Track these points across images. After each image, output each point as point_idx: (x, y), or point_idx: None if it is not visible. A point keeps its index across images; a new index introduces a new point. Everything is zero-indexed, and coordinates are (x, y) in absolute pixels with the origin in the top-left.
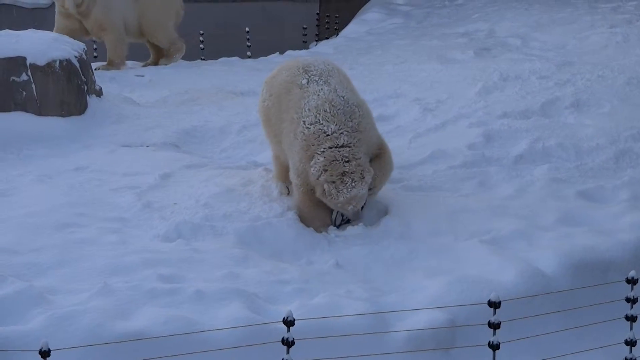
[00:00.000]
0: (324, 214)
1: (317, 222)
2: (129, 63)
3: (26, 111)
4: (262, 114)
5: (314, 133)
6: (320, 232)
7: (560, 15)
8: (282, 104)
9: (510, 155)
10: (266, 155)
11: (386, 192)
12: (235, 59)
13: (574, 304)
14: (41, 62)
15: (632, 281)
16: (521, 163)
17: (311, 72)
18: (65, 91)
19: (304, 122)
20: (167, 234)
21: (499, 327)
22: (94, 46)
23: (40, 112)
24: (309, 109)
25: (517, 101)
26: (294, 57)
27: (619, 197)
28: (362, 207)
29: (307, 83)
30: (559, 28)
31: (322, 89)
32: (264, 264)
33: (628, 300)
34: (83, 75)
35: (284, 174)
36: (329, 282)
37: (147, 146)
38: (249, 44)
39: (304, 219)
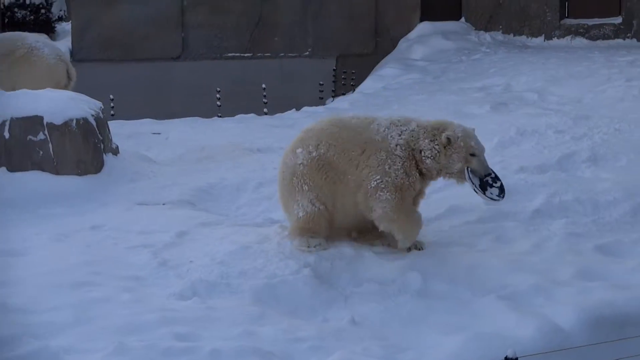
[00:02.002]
0: (419, 217)
1: (416, 230)
2: (146, 120)
3: (43, 170)
4: (308, 167)
5: (409, 133)
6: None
7: (576, 69)
8: (346, 145)
9: (527, 209)
10: (282, 212)
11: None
12: (251, 115)
13: (592, 359)
14: (58, 121)
15: None
16: (538, 217)
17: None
18: (82, 150)
19: (390, 137)
20: (182, 292)
21: None
22: (111, 104)
23: (57, 171)
24: (386, 126)
25: (533, 155)
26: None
27: (637, 251)
28: None
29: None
30: (575, 82)
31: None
32: (280, 321)
33: None
34: (100, 133)
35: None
36: (345, 340)
37: (163, 204)
38: (265, 100)
39: (408, 230)
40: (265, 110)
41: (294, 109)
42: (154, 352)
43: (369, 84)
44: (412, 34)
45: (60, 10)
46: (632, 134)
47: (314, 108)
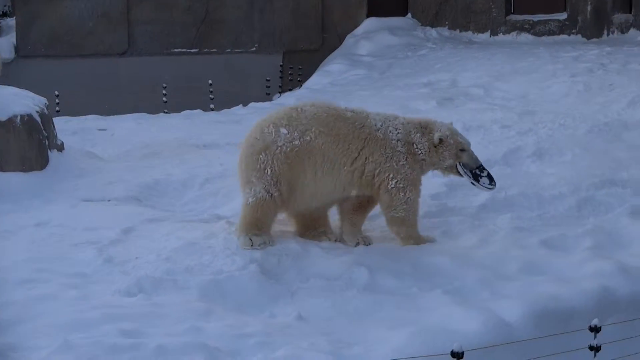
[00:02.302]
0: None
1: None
2: (92, 116)
3: None
4: (284, 153)
5: (402, 127)
6: None
7: (522, 64)
8: (343, 137)
9: (473, 204)
10: (229, 208)
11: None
12: (197, 111)
13: (538, 352)
14: (2, 117)
15: (595, 329)
16: (484, 212)
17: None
18: (26, 146)
19: (390, 133)
20: (128, 289)
21: None
22: (56, 100)
23: (1, 167)
24: (382, 121)
25: (479, 150)
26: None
27: (582, 245)
28: None
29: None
30: (520, 77)
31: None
32: (226, 317)
33: (591, 348)
34: (44, 129)
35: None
36: (291, 335)
37: (109, 200)
38: (211, 96)
39: (413, 228)
40: (211, 106)
41: (241, 105)
42: (99, 348)
43: (315, 80)
44: (359, 30)
45: (5, 6)
46: (577, 129)
47: (260, 104)
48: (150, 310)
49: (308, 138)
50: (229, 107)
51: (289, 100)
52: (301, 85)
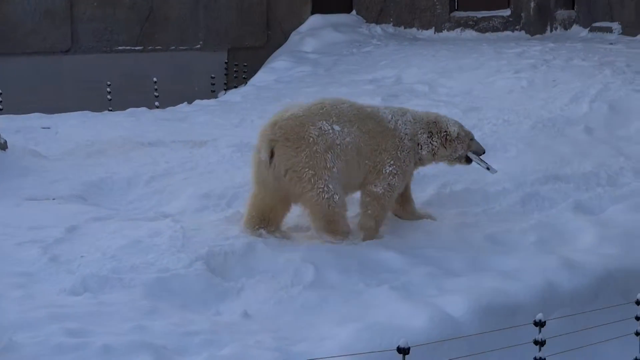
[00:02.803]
0: None
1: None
2: (35, 115)
3: None
4: (343, 149)
5: (411, 125)
6: None
7: (466, 61)
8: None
9: (419, 200)
10: (174, 206)
11: (297, 239)
12: (142, 109)
13: (483, 347)
14: None
15: (539, 324)
16: (430, 208)
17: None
18: None
19: (399, 127)
20: (73, 288)
21: None
22: None
23: None
24: (392, 115)
25: None
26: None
27: (526, 240)
28: None
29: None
30: (465, 74)
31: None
32: (173, 315)
33: (536, 342)
34: None
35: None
36: (238, 333)
37: (53, 199)
38: (156, 94)
39: (382, 211)
40: (156, 103)
41: (186, 102)
42: (44, 348)
43: (261, 77)
44: (304, 27)
45: None
46: (521, 125)
47: (205, 101)
48: (96, 309)
49: (354, 134)
50: (174, 105)
51: (234, 97)
52: (246, 83)
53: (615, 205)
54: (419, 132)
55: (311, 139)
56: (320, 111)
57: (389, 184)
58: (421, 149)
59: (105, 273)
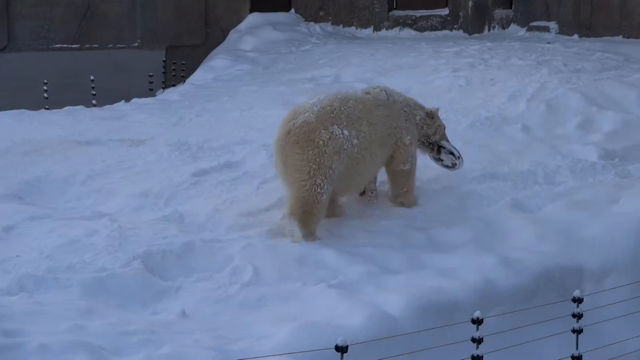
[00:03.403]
0: None
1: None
2: None
3: None
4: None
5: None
6: None
7: (405, 59)
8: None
9: (356, 198)
10: (112, 205)
11: (234, 239)
12: (80, 107)
13: (422, 345)
14: None
15: (477, 321)
16: (369, 208)
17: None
18: None
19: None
20: (9, 288)
21: None
22: None
23: None
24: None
25: None
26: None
27: (464, 238)
28: None
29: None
30: (403, 72)
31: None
32: (110, 315)
33: (474, 340)
34: None
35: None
36: (176, 332)
37: None
38: (94, 92)
39: (413, 182)
40: (94, 102)
41: (123, 101)
42: None
43: (199, 75)
44: (242, 25)
45: None
46: (459, 124)
47: (143, 99)
48: (32, 309)
49: (363, 133)
50: (112, 103)
51: (172, 96)
52: (184, 81)
53: (552, 204)
54: (407, 102)
55: (321, 142)
56: (332, 115)
57: (411, 155)
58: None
59: (41, 273)
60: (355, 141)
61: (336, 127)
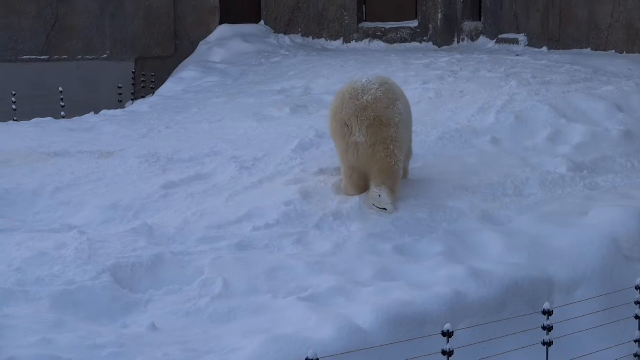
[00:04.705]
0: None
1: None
2: None
3: None
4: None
5: None
6: None
7: (374, 71)
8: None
9: (327, 211)
10: (81, 217)
11: (203, 251)
12: (48, 119)
13: (391, 357)
14: None
15: (447, 334)
16: (338, 219)
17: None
18: None
19: None
20: None
21: None
22: None
23: None
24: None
25: (332, 157)
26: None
27: (434, 250)
28: None
29: None
30: None
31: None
32: (79, 328)
33: (444, 352)
34: None
35: None
36: (145, 345)
37: None
38: (62, 103)
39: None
40: (62, 113)
41: (92, 112)
42: None
43: (168, 87)
44: (212, 37)
45: None
46: (428, 136)
47: (112, 111)
48: (0, 322)
49: (406, 110)
50: (81, 115)
51: (141, 107)
52: (154, 92)
53: (521, 215)
54: None
55: (397, 118)
56: (393, 93)
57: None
58: None
59: (9, 285)
60: (406, 116)
61: (398, 102)
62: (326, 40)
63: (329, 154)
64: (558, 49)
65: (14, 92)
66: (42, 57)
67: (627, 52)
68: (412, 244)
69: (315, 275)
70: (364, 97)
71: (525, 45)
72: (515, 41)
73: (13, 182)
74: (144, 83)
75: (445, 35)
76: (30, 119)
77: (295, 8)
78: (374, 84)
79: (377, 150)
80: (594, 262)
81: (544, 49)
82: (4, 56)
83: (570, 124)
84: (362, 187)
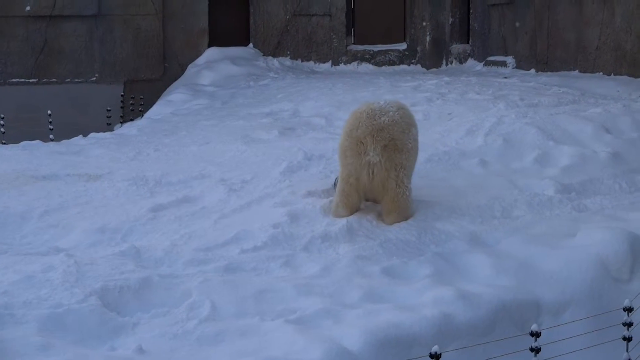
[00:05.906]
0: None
1: None
2: None
3: None
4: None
5: None
6: None
7: (362, 94)
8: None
9: (315, 233)
10: (68, 240)
11: (192, 274)
12: (37, 142)
13: None
14: None
15: (435, 356)
16: (326, 241)
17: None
18: None
19: None
20: None
21: None
22: None
23: None
24: None
25: (321, 180)
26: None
27: (422, 273)
28: None
29: None
30: None
31: None
32: (66, 351)
33: None
34: None
35: None
36: None
37: None
38: (51, 127)
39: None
40: (51, 136)
41: (81, 135)
42: None
43: (157, 110)
44: (201, 60)
45: None
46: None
47: (101, 134)
48: None
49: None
50: (69, 138)
51: (130, 130)
52: (142, 115)
53: (509, 237)
54: None
55: (410, 145)
56: (409, 118)
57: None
58: None
59: None
60: (416, 144)
61: (413, 128)
62: (315, 63)
63: (317, 176)
64: (546, 71)
65: (2, 116)
66: (30, 80)
67: (614, 74)
68: (400, 266)
69: (303, 298)
70: (382, 119)
71: (513, 68)
72: (503, 64)
73: (1, 205)
74: (133, 106)
75: (433, 58)
76: (18, 142)
77: (284, 31)
78: (391, 107)
79: (390, 176)
80: (582, 284)
81: (532, 71)
82: None
83: (558, 146)
84: (355, 209)
